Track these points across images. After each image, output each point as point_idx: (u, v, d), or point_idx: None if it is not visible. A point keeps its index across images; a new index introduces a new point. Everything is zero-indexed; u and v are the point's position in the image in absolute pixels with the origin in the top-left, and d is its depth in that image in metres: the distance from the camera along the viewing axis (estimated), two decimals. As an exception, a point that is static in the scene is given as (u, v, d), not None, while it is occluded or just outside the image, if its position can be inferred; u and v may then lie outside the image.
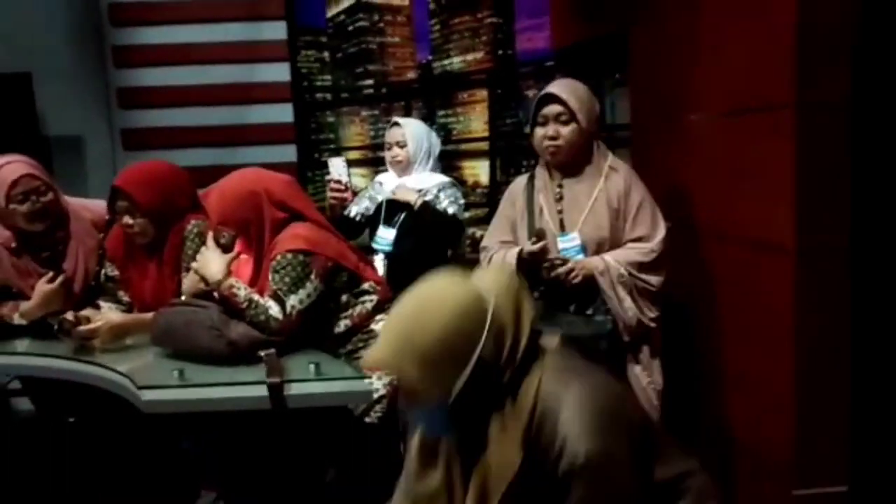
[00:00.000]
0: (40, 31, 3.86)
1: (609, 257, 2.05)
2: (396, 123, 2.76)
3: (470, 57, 3.70)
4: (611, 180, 2.08)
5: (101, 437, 1.96)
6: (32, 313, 2.25)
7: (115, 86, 4.05)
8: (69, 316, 2.09)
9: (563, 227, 2.10)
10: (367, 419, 1.98)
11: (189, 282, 2.07)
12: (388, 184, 2.77)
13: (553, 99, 2.06)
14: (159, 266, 2.29)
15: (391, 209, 2.72)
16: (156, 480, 2.04)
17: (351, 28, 4.07)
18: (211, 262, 1.95)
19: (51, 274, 2.29)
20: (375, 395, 1.98)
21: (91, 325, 2.05)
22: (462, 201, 2.75)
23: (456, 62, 3.76)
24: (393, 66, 3.99)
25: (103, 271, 2.39)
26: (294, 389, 1.68)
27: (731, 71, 2.08)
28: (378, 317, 2.09)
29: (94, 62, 3.99)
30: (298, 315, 1.92)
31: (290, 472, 1.88)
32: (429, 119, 3.83)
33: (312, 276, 1.94)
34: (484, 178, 3.74)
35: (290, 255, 1.93)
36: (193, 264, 2.00)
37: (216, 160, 4.03)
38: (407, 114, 3.91)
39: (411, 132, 2.74)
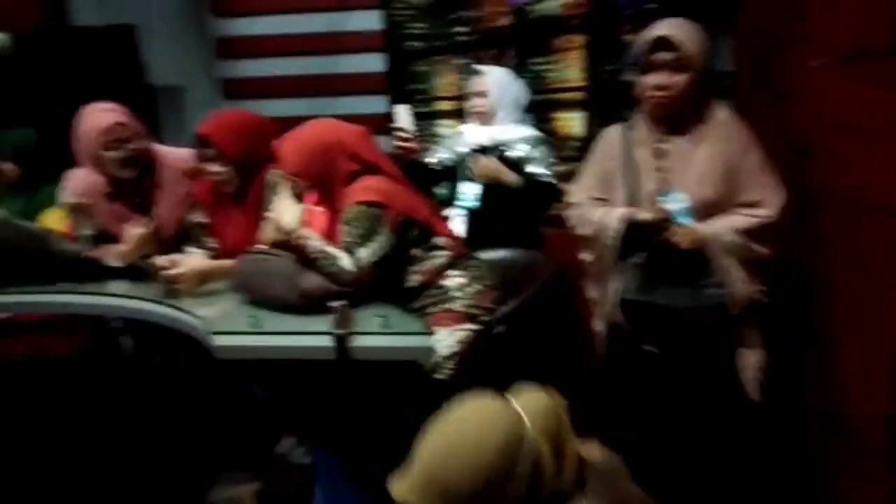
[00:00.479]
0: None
1: (719, 223, 1.88)
2: (478, 71, 2.66)
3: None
4: (723, 136, 1.88)
5: (184, 379, 2.02)
6: (126, 256, 2.34)
7: (215, 35, 4.14)
8: (156, 260, 2.17)
9: (666, 188, 1.91)
10: (438, 376, 1.94)
11: (266, 231, 2.09)
12: (471, 135, 2.68)
13: (665, 43, 1.84)
14: (244, 213, 2.32)
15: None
16: (231, 425, 2.09)
17: (445, -28, 3.95)
18: (285, 211, 1.95)
19: (143, 219, 2.38)
20: (447, 352, 1.94)
21: (175, 270, 2.11)
22: (554, 159, 2.62)
23: (552, 5, 3.57)
24: (487, 12, 3.84)
25: (192, 218, 2.45)
26: (360, 342, 1.67)
27: (851, 10, 1.84)
28: (450, 272, 2.04)
29: (196, 12, 4.08)
30: (369, 267, 1.90)
31: (359, 422, 1.88)
32: (522, 67, 3.68)
33: (384, 229, 1.91)
34: (577, 130, 3.57)
35: (362, 207, 1.90)
36: (269, 213, 2.01)
37: (309, 110, 4.05)
38: (499, 62, 3.78)
39: (494, 80, 2.63)
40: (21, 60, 3.84)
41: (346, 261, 1.89)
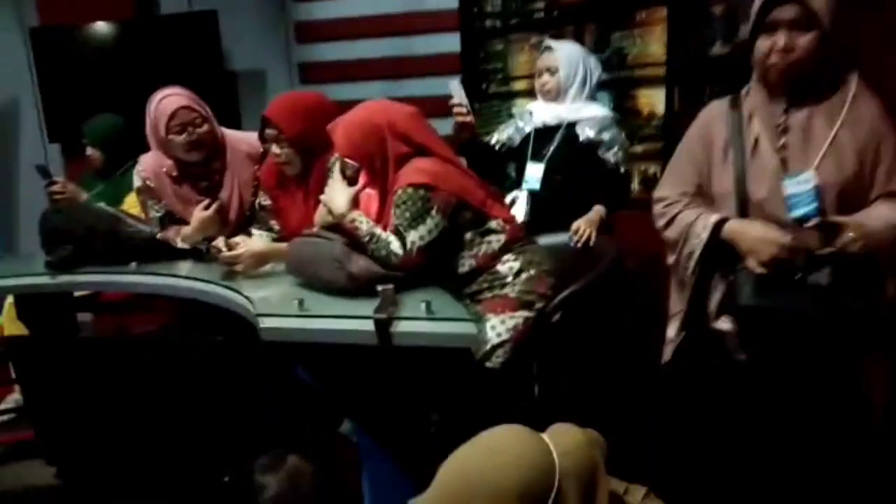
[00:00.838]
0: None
1: (873, 215, 1.56)
2: (548, 48, 2.54)
3: (649, -30, 3.31)
4: (859, 108, 1.58)
5: (240, 360, 2.04)
6: (192, 238, 2.39)
7: (293, 20, 4.18)
8: (218, 243, 2.20)
9: (786, 168, 1.61)
10: (489, 364, 1.87)
11: (319, 213, 2.07)
12: (539, 113, 2.57)
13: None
14: (307, 196, 2.32)
15: (539, 141, 2.53)
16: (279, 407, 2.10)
17: (523, -53, 3.82)
18: (336, 194, 1.92)
19: (207, 201, 2.42)
20: (498, 340, 1.87)
21: (234, 252, 2.14)
22: (626, 144, 2.48)
23: (633, -22, 3.38)
24: (565, -13, 3.69)
25: (257, 200, 2.48)
26: (402, 327, 1.62)
27: None
28: (505, 257, 1.96)
29: (273, -2, 4.13)
30: (419, 251, 1.85)
31: (409, 410, 1.85)
32: (602, 43, 3.52)
33: (434, 212, 1.85)
34: (660, 109, 3.38)
35: (410, 190, 1.85)
36: (322, 196, 1.99)
37: (385, 93, 4.05)
38: (578, 38, 3.62)
39: (564, 56, 2.51)
40: (112, 50, 4.02)
41: (395, 244, 1.85)
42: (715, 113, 1.76)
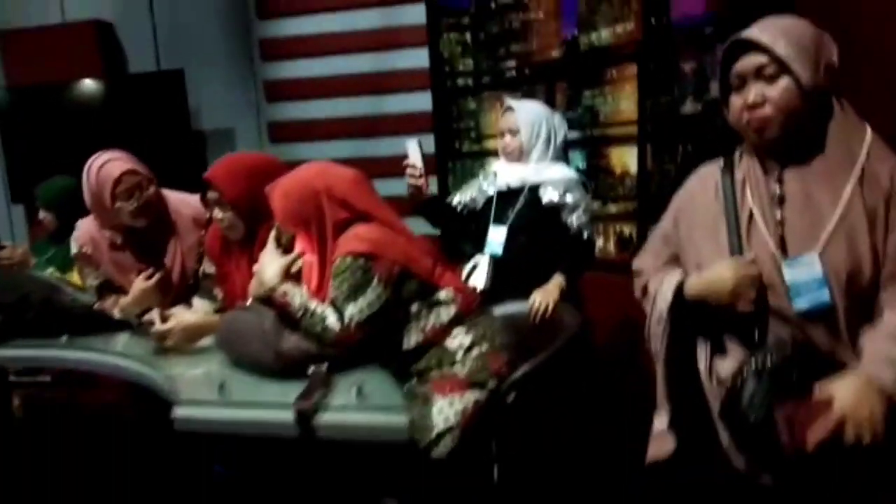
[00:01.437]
0: (191, 28, 4.01)
1: (873, 364, 1.25)
2: (509, 108, 2.44)
3: (619, 28, 3.25)
4: (873, 168, 1.30)
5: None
6: (129, 309, 2.24)
7: (262, 79, 4.12)
8: (152, 315, 2.05)
9: (784, 248, 1.34)
10: (434, 454, 1.69)
11: (251, 284, 1.92)
12: (503, 174, 2.46)
13: (749, 47, 1.32)
14: (251, 263, 2.16)
15: (503, 204, 2.41)
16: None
17: (494, 6, 3.78)
18: (268, 264, 1.77)
19: (149, 271, 2.27)
20: (444, 426, 1.69)
21: (164, 326, 1.98)
22: (591, 207, 2.36)
23: (604, 35, 3.32)
24: (537, 45, 3.63)
25: (201, 268, 2.34)
26: (328, 417, 1.45)
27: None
28: (455, 331, 1.80)
29: (243, 56, 4.08)
30: (358, 326, 1.69)
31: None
32: (574, 101, 3.44)
33: (375, 282, 1.70)
34: (633, 167, 3.28)
35: (349, 259, 1.70)
36: (255, 266, 1.85)
37: (356, 152, 3.98)
38: (549, 97, 3.55)
39: (525, 117, 2.40)
40: (79, 109, 3.94)
41: (331, 319, 1.69)
42: (703, 180, 1.51)
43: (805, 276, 1.29)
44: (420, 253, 1.81)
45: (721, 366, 1.40)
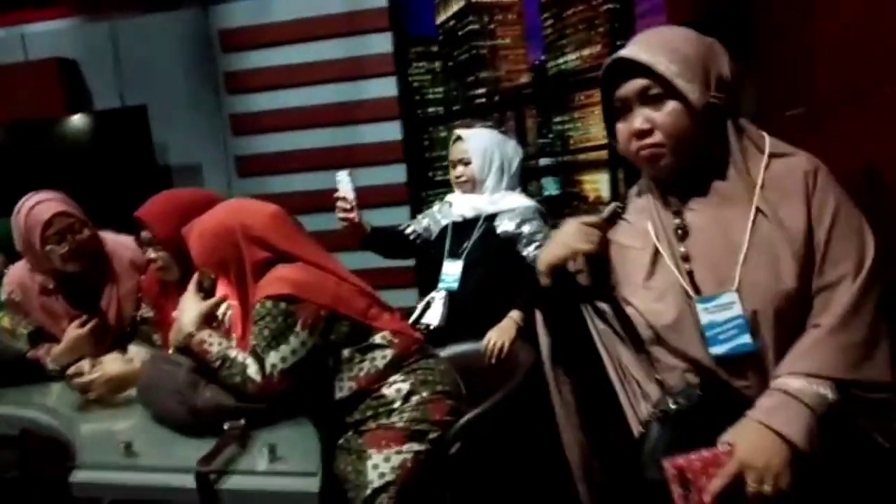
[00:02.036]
0: (156, 63, 3.92)
1: (794, 379, 1.08)
2: (458, 137, 2.33)
3: (586, 52, 3.18)
4: (776, 183, 1.15)
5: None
6: (61, 358, 2.10)
7: (228, 113, 4.02)
8: (81, 364, 1.91)
9: (696, 286, 1.17)
10: (368, 512, 1.55)
11: (171, 332, 1.79)
12: (458, 205, 2.35)
13: (630, 67, 1.15)
14: (190, 307, 2.05)
15: (458, 235, 2.29)
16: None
17: (461, 33, 3.71)
18: (187, 310, 1.64)
19: (83, 318, 2.14)
20: (380, 482, 1.56)
21: (86, 378, 1.84)
22: (546, 233, 2.24)
23: (571, 60, 3.24)
24: (505, 71, 3.58)
25: (139, 313, 2.21)
26: (234, 482, 1.31)
27: None
28: (392, 378, 1.67)
29: (208, 90, 3.98)
30: (281, 375, 1.55)
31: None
32: (545, 126, 3.35)
33: (298, 328, 1.57)
34: (606, 192, 3.17)
35: (269, 304, 1.57)
36: (174, 313, 1.72)
37: (325, 184, 3.86)
38: (520, 123, 3.45)
39: (476, 147, 2.30)
40: (42, 146, 3.84)
41: (252, 368, 1.55)
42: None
43: (722, 318, 1.13)
44: (351, 294, 1.69)
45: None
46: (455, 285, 2.26)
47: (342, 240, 2.36)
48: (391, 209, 3.69)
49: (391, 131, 3.84)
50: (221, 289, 1.67)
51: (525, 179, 2.46)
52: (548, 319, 1.36)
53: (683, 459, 1.03)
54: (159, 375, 1.62)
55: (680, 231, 1.20)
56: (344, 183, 2.25)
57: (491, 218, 2.30)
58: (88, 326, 2.12)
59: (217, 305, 1.66)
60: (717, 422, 1.09)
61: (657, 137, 1.16)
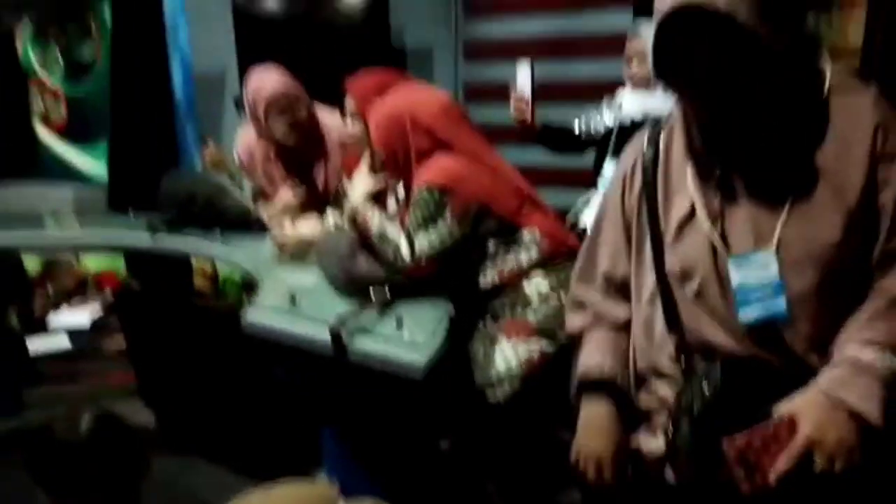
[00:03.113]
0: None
1: (866, 349, 0.96)
2: (637, 34, 2.17)
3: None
4: (836, 132, 0.99)
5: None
6: (273, 218, 2.42)
7: (461, -2, 4.08)
8: (281, 224, 2.21)
9: (728, 245, 1.04)
10: (489, 396, 1.65)
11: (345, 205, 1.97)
12: (627, 105, 2.22)
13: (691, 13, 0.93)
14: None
15: (623, 138, 2.19)
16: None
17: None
18: (356, 187, 1.80)
19: (295, 187, 2.42)
20: (504, 369, 1.64)
21: (284, 235, 2.12)
22: None
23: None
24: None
25: (340, 184, 2.44)
26: (359, 343, 1.48)
27: None
28: (534, 274, 1.70)
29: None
30: (428, 259, 1.67)
31: (395, 432, 1.70)
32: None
33: (447, 216, 1.66)
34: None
35: (425, 190, 1.67)
36: (347, 185, 1.89)
37: (551, 73, 3.81)
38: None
39: None
40: (289, 28, 4.23)
41: (404, 249, 1.69)
42: (635, 158, 1.21)
43: (756, 279, 1.01)
44: (504, 190, 1.72)
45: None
46: None
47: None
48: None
49: (622, 20, 3.63)
50: (389, 171, 1.79)
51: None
52: None
53: (742, 438, 0.95)
54: (330, 243, 1.82)
55: (719, 181, 1.05)
56: (523, 75, 2.20)
57: (658, 121, 2.15)
58: (299, 196, 2.40)
59: (384, 185, 1.79)
60: (756, 398, 0.99)
61: (723, 87, 0.98)
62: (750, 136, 1.01)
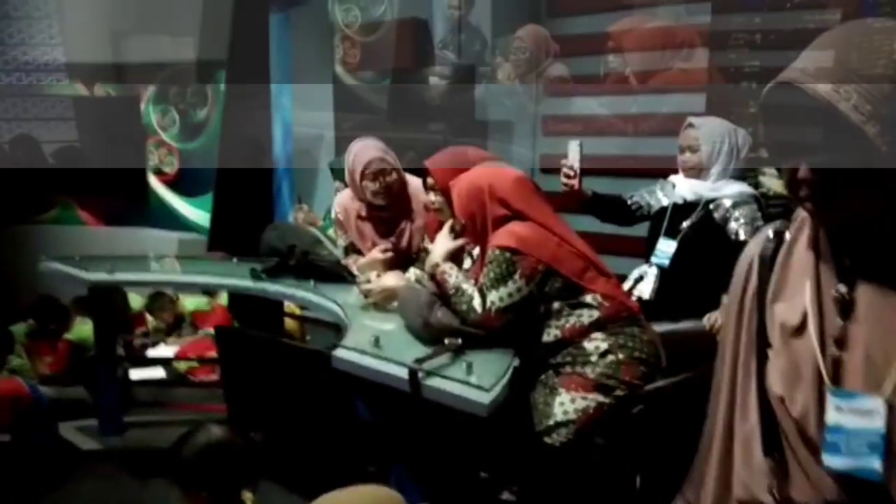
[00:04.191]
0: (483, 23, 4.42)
1: None
2: (690, 125, 2.38)
3: None
4: None
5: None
6: (362, 269, 2.69)
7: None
8: (368, 276, 2.47)
9: (836, 377, 0.84)
10: (547, 439, 1.82)
11: (427, 262, 2.21)
12: (680, 187, 2.42)
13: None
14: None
15: (676, 216, 2.39)
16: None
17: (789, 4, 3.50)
18: (438, 245, 2.05)
19: (383, 246, 2.70)
20: (563, 418, 1.82)
21: (369, 285, 2.38)
22: (760, 223, 2.21)
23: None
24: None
25: (423, 244, 2.70)
26: (433, 381, 1.69)
27: None
28: (594, 334, 1.89)
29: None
30: (498, 312, 1.88)
31: (455, 470, 1.89)
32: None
33: (517, 276, 1.87)
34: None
35: (498, 252, 1.89)
36: (429, 244, 2.13)
37: (616, 151, 4.03)
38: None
39: (706, 134, 2.35)
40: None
41: (476, 301, 1.91)
42: (747, 263, 0.98)
43: (854, 425, 0.81)
44: (570, 254, 1.93)
45: None
46: (666, 262, 2.38)
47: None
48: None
49: (695, 103, 3.82)
50: (468, 235, 2.03)
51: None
52: None
53: None
54: (411, 294, 2.06)
55: (841, 304, 0.84)
56: (573, 151, 2.45)
57: (710, 203, 2.33)
58: (385, 254, 2.66)
59: (462, 247, 2.03)
60: None
61: (829, 188, 0.79)
62: (875, 253, 0.83)
